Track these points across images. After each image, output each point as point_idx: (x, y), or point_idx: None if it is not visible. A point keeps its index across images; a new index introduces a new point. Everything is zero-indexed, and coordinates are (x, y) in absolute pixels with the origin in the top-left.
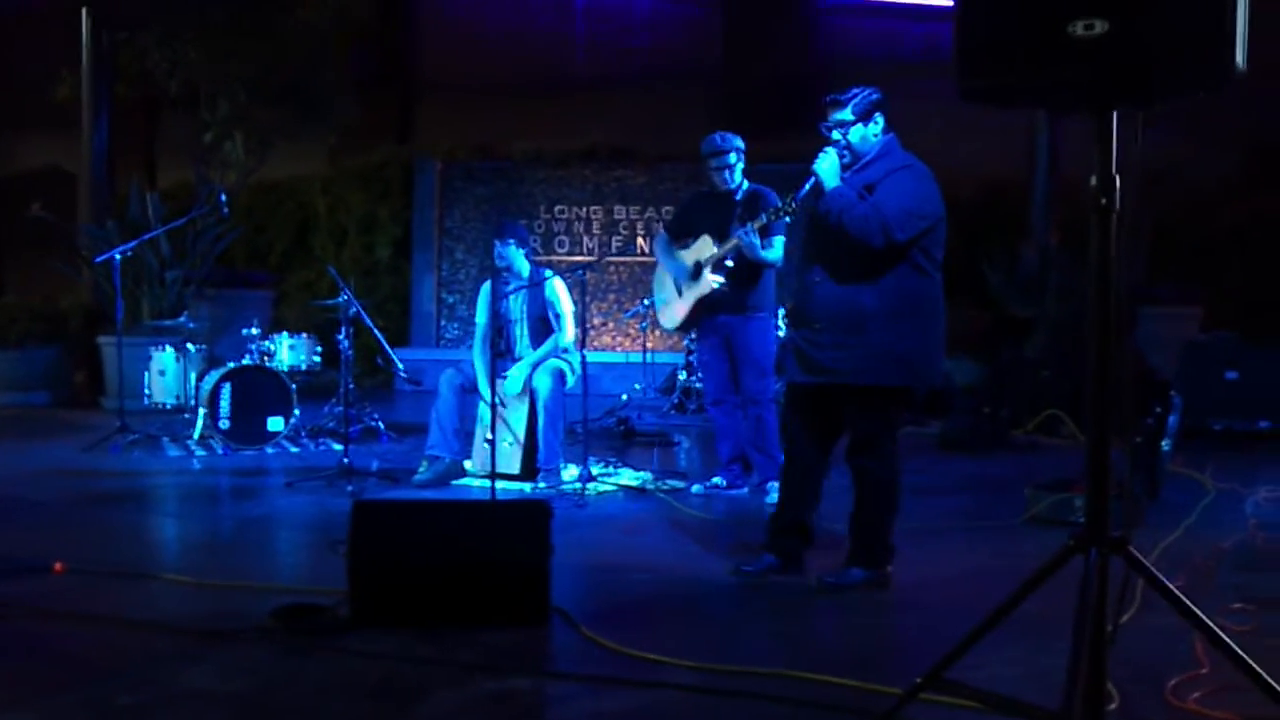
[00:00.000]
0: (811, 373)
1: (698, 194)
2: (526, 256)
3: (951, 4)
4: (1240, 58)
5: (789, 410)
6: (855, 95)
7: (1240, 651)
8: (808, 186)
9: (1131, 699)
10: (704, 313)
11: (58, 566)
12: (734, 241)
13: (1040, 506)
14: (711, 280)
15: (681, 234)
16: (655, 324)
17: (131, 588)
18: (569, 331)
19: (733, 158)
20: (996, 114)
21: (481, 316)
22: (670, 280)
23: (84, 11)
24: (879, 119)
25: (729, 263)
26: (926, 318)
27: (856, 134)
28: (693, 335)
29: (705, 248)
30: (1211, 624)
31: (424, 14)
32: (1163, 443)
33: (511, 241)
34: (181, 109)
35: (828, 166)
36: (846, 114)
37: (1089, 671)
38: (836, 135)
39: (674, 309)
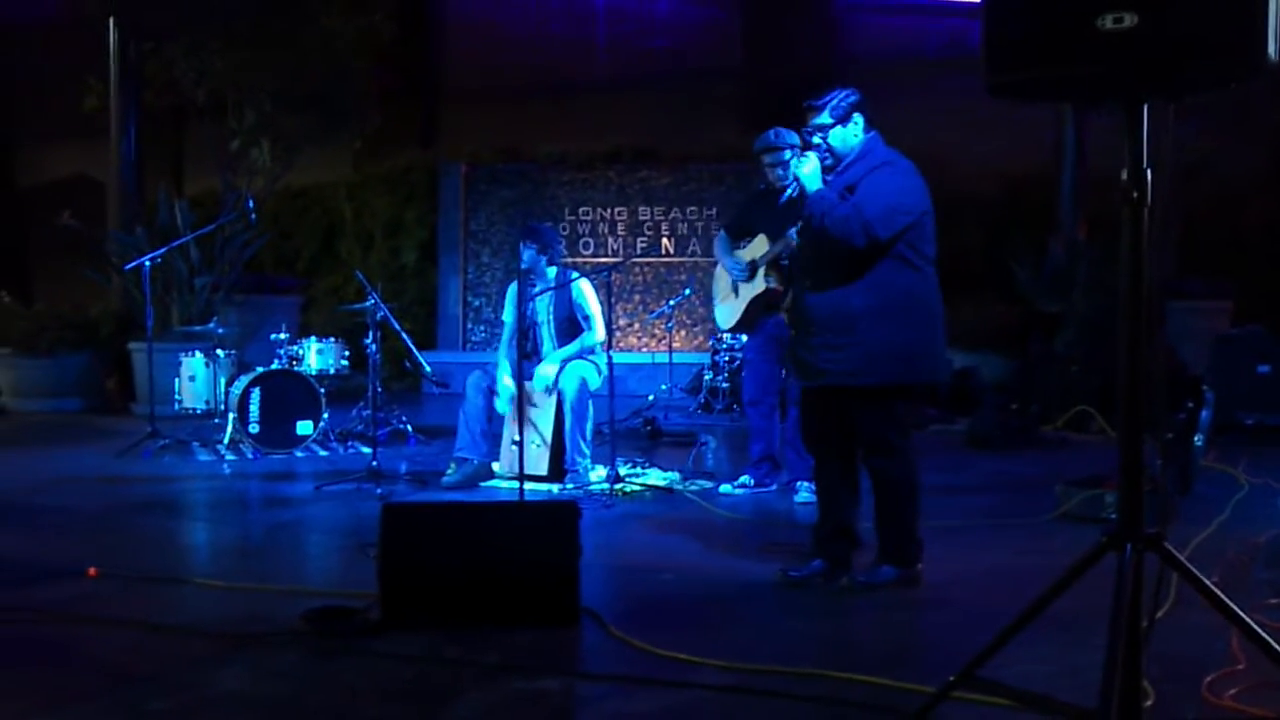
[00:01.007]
0: (810, 377)
1: (756, 192)
2: (551, 260)
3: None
4: (1273, 49)
5: (804, 416)
6: (831, 99)
7: (1278, 647)
8: (789, 193)
9: (1168, 696)
10: (760, 312)
11: (91, 571)
12: (786, 240)
13: (1071, 503)
14: (765, 281)
15: (740, 233)
16: (680, 324)
17: (163, 592)
18: (599, 331)
19: (787, 154)
20: (1021, 109)
21: (508, 316)
22: (727, 280)
23: (111, 23)
24: (858, 119)
25: (784, 262)
26: (920, 313)
27: (836, 136)
28: (719, 335)
29: (760, 246)
30: (1248, 619)
31: (446, 20)
32: (1195, 438)
33: (533, 246)
34: (208, 117)
35: (809, 171)
36: (824, 118)
37: (1125, 669)
38: (817, 139)
39: (729, 308)
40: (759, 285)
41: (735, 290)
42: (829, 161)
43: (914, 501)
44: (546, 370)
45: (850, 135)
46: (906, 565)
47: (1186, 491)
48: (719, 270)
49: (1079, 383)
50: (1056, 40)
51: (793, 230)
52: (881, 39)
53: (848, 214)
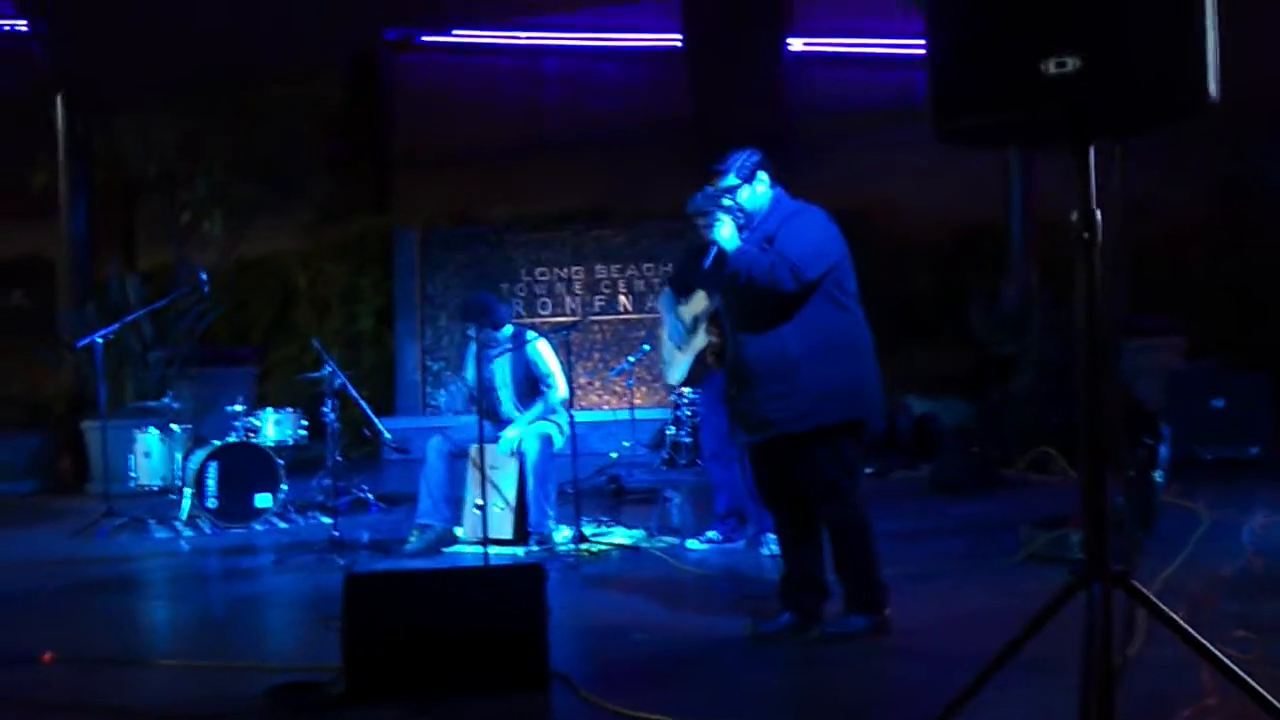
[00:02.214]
0: (758, 430)
1: (694, 249)
2: (498, 324)
3: (922, 51)
4: (1213, 86)
5: (755, 471)
6: (735, 160)
7: (1249, 679)
8: (711, 255)
9: None
10: (706, 366)
11: (47, 656)
12: (715, 301)
13: (1037, 544)
14: (706, 336)
15: (683, 289)
16: (641, 381)
17: (123, 675)
18: (560, 388)
19: (719, 215)
20: (971, 157)
21: (469, 373)
22: (673, 336)
23: (58, 100)
24: (763, 176)
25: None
26: (855, 350)
27: (744, 196)
28: (679, 390)
29: (700, 302)
30: (1218, 653)
31: (396, 86)
32: (1155, 474)
33: (473, 325)
34: (159, 191)
35: (727, 234)
36: (731, 179)
37: (1098, 708)
38: (727, 201)
39: (676, 364)
40: (702, 340)
41: (680, 346)
42: (741, 220)
43: (871, 545)
44: (511, 434)
45: (757, 193)
46: (875, 611)
47: (1149, 528)
48: (665, 328)
49: (1039, 424)
50: (1001, 86)
51: (717, 298)
52: (831, 91)
53: (774, 261)
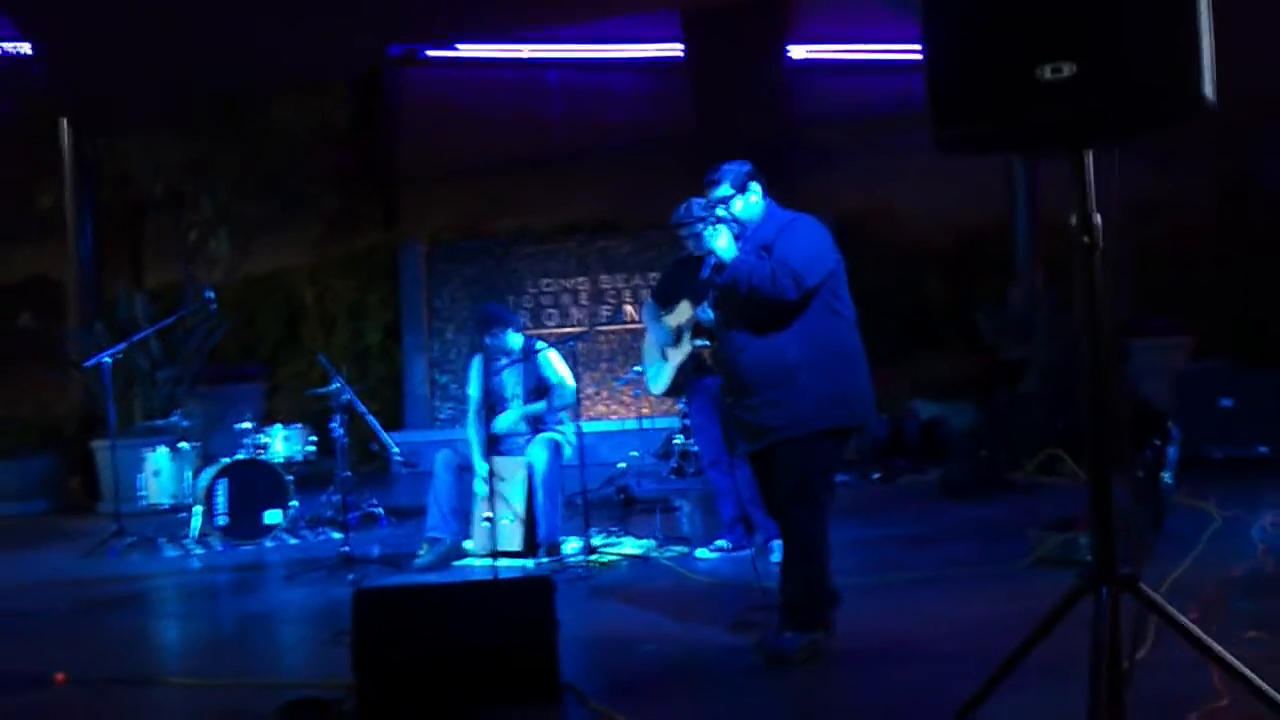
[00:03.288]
0: (758, 439)
1: (679, 259)
2: (514, 330)
3: (921, 57)
4: (1209, 88)
5: (760, 481)
6: (729, 171)
7: (1258, 681)
8: (710, 266)
9: None
10: (691, 375)
11: (59, 677)
12: (702, 310)
13: (1046, 547)
14: (691, 345)
15: (666, 300)
16: (648, 390)
17: (135, 694)
18: (569, 384)
19: (700, 226)
20: (973, 161)
21: (474, 390)
22: (656, 346)
23: (64, 122)
24: (755, 186)
25: (706, 322)
26: (849, 357)
27: (738, 206)
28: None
29: (684, 312)
30: (1227, 655)
31: (401, 101)
32: (1164, 474)
33: (486, 335)
34: (165, 211)
35: (724, 244)
36: (726, 189)
37: (1108, 713)
38: (722, 211)
39: (660, 375)
40: (686, 349)
41: (664, 355)
42: (736, 230)
43: (824, 560)
44: (507, 419)
45: (750, 202)
46: (814, 629)
47: (1159, 529)
48: (649, 338)
49: (1046, 426)
50: (998, 93)
51: (702, 308)
52: (833, 99)
53: (775, 269)
